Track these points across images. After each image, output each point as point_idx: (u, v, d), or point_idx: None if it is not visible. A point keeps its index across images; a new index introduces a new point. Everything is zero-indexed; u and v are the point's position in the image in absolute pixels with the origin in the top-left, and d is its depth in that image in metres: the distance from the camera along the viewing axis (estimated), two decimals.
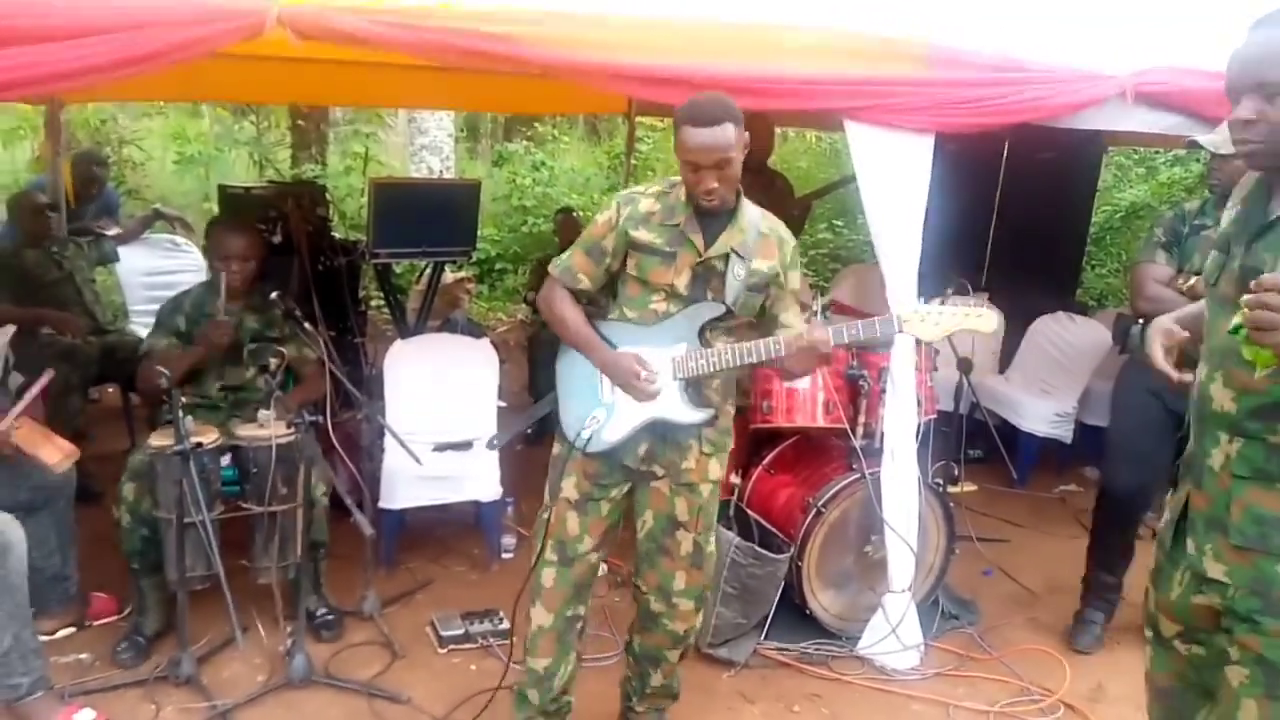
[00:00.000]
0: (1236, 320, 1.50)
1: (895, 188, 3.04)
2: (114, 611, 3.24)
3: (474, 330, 5.55)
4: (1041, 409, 4.95)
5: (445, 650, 3.15)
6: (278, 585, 3.01)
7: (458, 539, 3.97)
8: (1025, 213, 5.98)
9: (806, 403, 3.33)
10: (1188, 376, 1.83)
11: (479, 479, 3.74)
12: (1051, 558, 4.11)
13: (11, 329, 3.87)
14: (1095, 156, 6.28)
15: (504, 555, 3.84)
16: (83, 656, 3.02)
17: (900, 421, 3.17)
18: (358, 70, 4.40)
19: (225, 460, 3.04)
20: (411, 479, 3.58)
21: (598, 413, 2.38)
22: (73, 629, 3.15)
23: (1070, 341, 5.20)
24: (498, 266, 8.80)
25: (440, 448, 3.77)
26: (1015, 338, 5.40)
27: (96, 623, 3.20)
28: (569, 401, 2.44)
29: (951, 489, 3.83)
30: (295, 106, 9.37)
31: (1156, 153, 9.60)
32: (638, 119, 6.77)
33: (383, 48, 2.51)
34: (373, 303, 6.25)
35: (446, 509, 3.88)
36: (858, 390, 3.34)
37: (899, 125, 2.98)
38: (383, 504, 3.61)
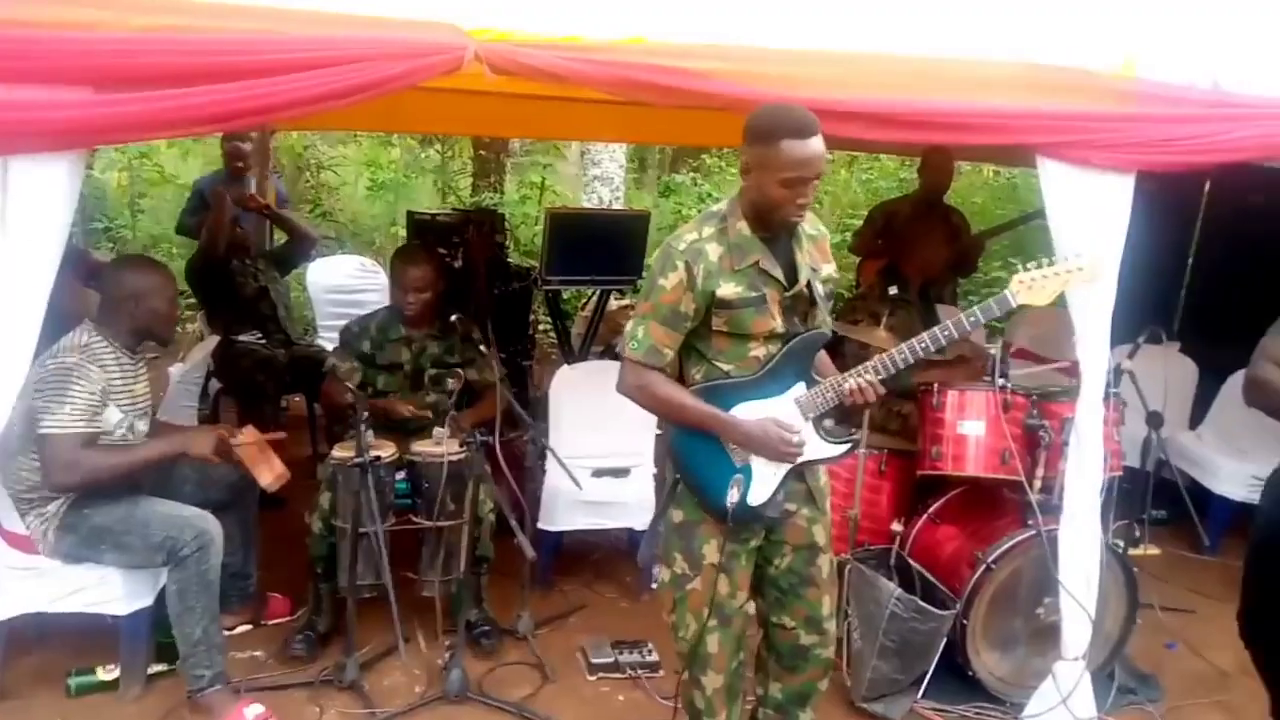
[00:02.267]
0: None
1: (1091, 228, 2.86)
2: (287, 613, 3.43)
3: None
4: (1237, 471, 4.55)
5: (594, 677, 3.17)
6: (440, 599, 3.12)
7: (610, 565, 4.00)
8: (1226, 258, 5.56)
9: (980, 451, 3.18)
10: None
11: (635, 506, 3.76)
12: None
13: (215, 340, 4.21)
14: None
15: (654, 585, 3.83)
16: (257, 653, 3.20)
17: (1083, 476, 2.96)
18: (535, 103, 4.55)
19: (400, 474, 3.18)
20: (571, 502, 3.64)
21: (736, 478, 2.25)
22: (249, 626, 3.35)
23: None
24: None
25: (599, 473, 3.82)
26: (1209, 392, 5.01)
27: (270, 622, 3.39)
28: (701, 472, 2.30)
29: (1133, 551, 3.57)
30: (477, 137, 9.83)
31: None
32: None
33: (573, 82, 2.57)
34: (540, 327, 6.44)
35: (601, 534, 3.92)
36: (1036, 441, 3.15)
37: (1097, 163, 2.83)
38: (542, 525, 3.68)
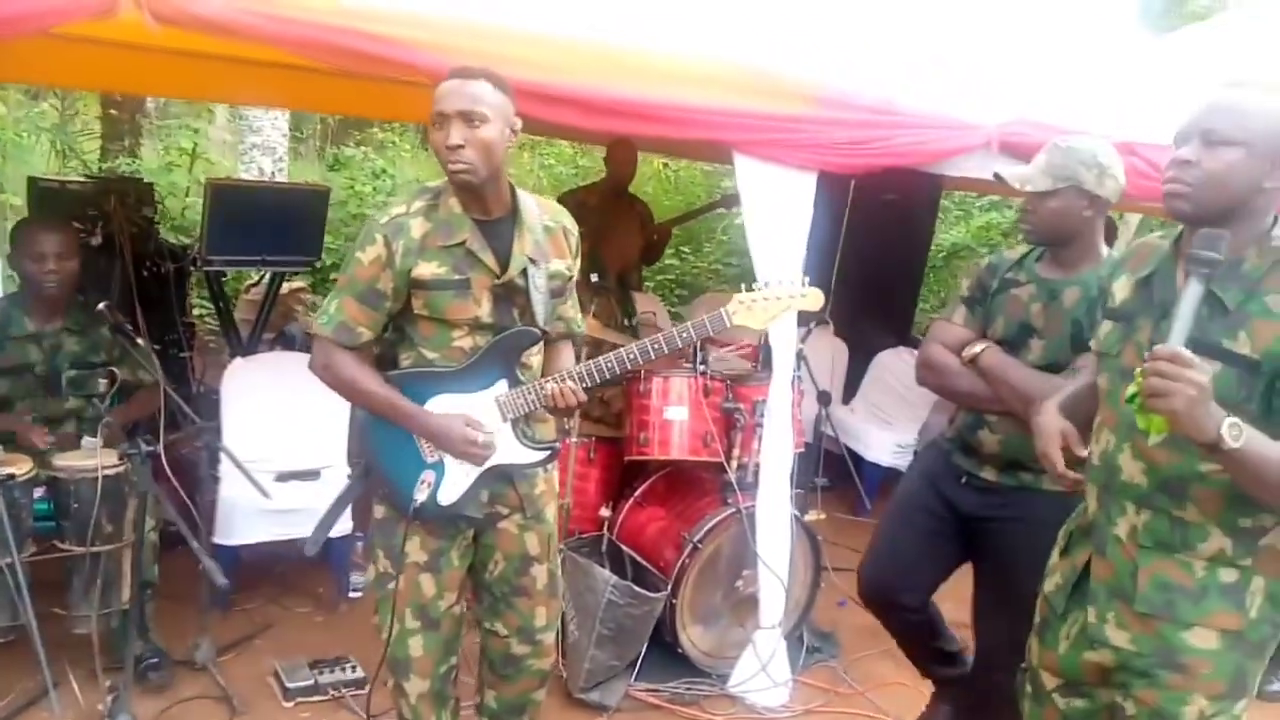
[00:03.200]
0: (1131, 389, 1.53)
1: (779, 221, 3.04)
2: None
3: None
4: (885, 439, 5.12)
5: (291, 704, 2.88)
6: (97, 635, 2.66)
7: (299, 576, 3.66)
8: (868, 250, 6.22)
9: (685, 435, 3.27)
10: (1081, 478, 1.83)
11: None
12: None
13: None
14: (934, 199, 6.61)
15: (352, 594, 3.57)
16: None
17: (776, 454, 3.16)
18: (181, 59, 4.01)
19: (38, 493, 2.67)
20: (252, 512, 3.27)
21: (426, 475, 2.12)
22: None
23: (910, 375, 5.38)
24: (333, 277, 8.34)
25: (283, 477, 3.47)
26: (856, 370, 5.60)
27: None
28: (390, 464, 2.15)
29: (805, 517, 3.88)
30: (107, 93, 8.60)
31: (973, 197, 10.27)
32: None
33: (253, 40, 2.27)
34: (195, 312, 5.76)
35: (285, 544, 3.56)
36: (733, 423, 3.31)
37: (786, 161, 3.00)
38: (218, 539, 3.28)
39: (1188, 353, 1.46)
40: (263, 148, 8.13)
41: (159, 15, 2.16)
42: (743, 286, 2.24)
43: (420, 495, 2.10)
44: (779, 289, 2.22)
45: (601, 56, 2.70)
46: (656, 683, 3.16)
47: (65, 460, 2.67)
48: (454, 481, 2.14)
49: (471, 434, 2.08)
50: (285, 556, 3.66)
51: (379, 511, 2.20)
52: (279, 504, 3.27)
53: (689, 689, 3.18)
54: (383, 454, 2.15)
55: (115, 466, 2.60)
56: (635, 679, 3.13)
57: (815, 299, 2.25)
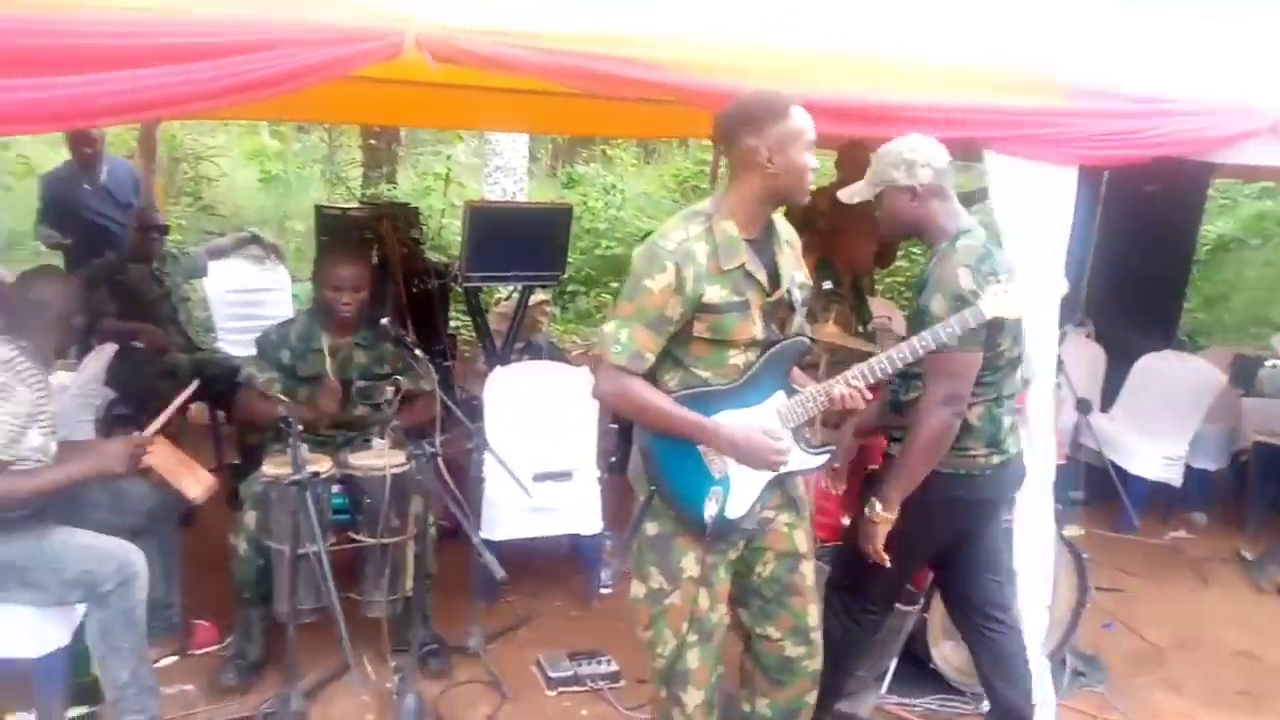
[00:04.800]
0: None
1: (1037, 218, 2.90)
2: (215, 640, 3.18)
3: (556, 354, 5.48)
4: (1152, 451, 4.74)
5: (554, 692, 3.05)
6: (386, 619, 2.93)
7: (554, 572, 3.87)
8: (1125, 247, 5.78)
9: None
10: None
11: (579, 511, 3.65)
12: (1173, 611, 3.92)
13: (113, 348, 3.88)
14: (1201, 190, 6.06)
15: (603, 589, 3.73)
16: (187, 688, 2.95)
17: (1037, 466, 2.99)
18: (432, 91, 4.36)
19: (336, 489, 2.97)
20: (515, 510, 3.49)
21: (714, 492, 2.16)
22: (175, 658, 3.09)
23: (1179, 381, 4.98)
24: (569, 289, 8.75)
25: (540, 477, 3.67)
26: (1115, 376, 5.21)
27: (198, 651, 3.14)
28: (674, 481, 2.19)
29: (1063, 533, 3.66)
30: (366, 125, 9.44)
31: (1239, 184, 9.29)
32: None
33: (519, 72, 2.44)
34: (452, 324, 6.21)
35: (541, 540, 3.77)
36: None
37: (1042, 156, 2.86)
38: (484, 535, 3.50)
39: None
40: (505, 169, 8.64)
41: (437, 55, 2.36)
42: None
43: (710, 511, 2.14)
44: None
45: (847, 63, 2.70)
46: (908, 697, 3.09)
47: (359, 460, 2.96)
48: (741, 495, 2.18)
49: (772, 442, 2.12)
50: (541, 552, 3.88)
51: (650, 529, 2.25)
52: (537, 502, 3.48)
53: (942, 705, 3.08)
54: (669, 475, 2.19)
55: (402, 466, 2.86)
56: (885, 691, 3.08)
57: (1062, 284, 2.27)
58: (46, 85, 2.09)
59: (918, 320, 2.42)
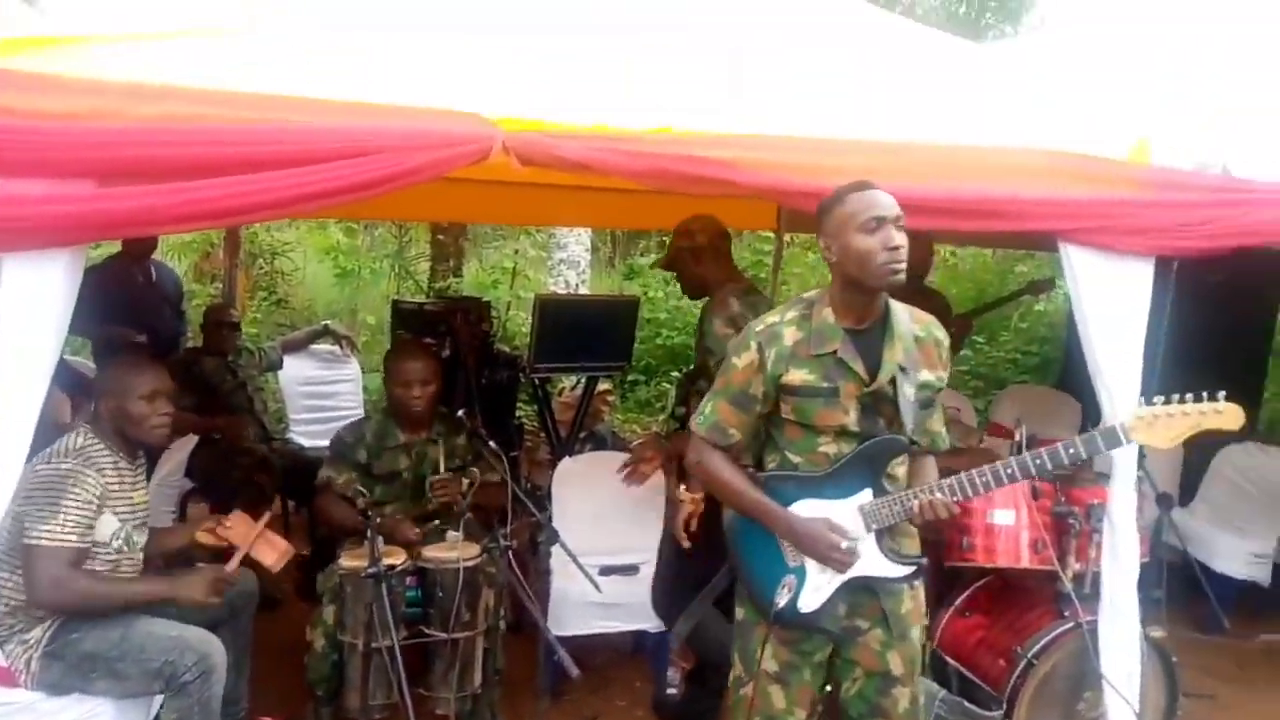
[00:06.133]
0: None
1: (1113, 311, 2.88)
2: None
3: (619, 443, 5.48)
4: (1238, 547, 4.58)
5: None
6: (454, 715, 2.90)
7: (617, 670, 3.81)
8: (1199, 336, 5.64)
9: (1012, 541, 3.10)
10: None
11: (645, 606, 3.60)
12: (1268, 717, 3.69)
13: (193, 440, 3.98)
14: (1275, 277, 5.94)
15: (670, 691, 3.64)
16: None
17: (1120, 565, 2.91)
18: (502, 189, 4.51)
19: (409, 580, 2.98)
20: (582, 604, 3.45)
21: (788, 579, 2.14)
22: None
23: (1263, 474, 4.83)
24: (630, 378, 8.80)
25: (607, 571, 3.63)
26: (1193, 469, 5.05)
27: None
28: (752, 564, 2.20)
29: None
30: (436, 222, 9.72)
31: None
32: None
33: (604, 173, 2.51)
34: (517, 415, 6.27)
35: (604, 637, 3.72)
36: (1065, 529, 3.09)
37: (1118, 248, 2.85)
38: (553, 630, 3.47)
39: None
40: (569, 262, 8.81)
41: (524, 158, 2.45)
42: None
43: (781, 600, 2.11)
44: (1190, 405, 2.14)
45: (909, 155, 2.71)
46: None
47: (432, 552, 2.97)
48: (815, 588, 2.15)
49: (834, 539, 2.09)
50: (603, 649, 3.82)
51: (740, 613, 2.25)
52: (605, 597, 3.44)
53: None
54: (747, 554, 2.20)
55: (475, 558, 2.86)
56: None
57: (1234, 416, 2.11)
58: (182, 189, 2.20)
59: None
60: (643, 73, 2.72)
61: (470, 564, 2.84)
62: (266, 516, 2.84)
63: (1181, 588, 4.38)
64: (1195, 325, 5.65)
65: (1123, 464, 2.90)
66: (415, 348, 3.56)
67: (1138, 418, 2.14)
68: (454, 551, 2.89)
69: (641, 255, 11.84)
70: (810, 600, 2.16)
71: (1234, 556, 4.55)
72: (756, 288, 3.54)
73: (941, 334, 2.27)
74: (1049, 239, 2.89)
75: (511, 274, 9.32)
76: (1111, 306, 2.87)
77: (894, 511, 2.13)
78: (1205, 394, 2.18)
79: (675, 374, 8.01)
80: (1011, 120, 2.96)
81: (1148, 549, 3.24)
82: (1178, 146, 2.90)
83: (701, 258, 3.28)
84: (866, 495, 2.15)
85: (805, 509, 2.15)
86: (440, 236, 10.49)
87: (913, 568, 2.20)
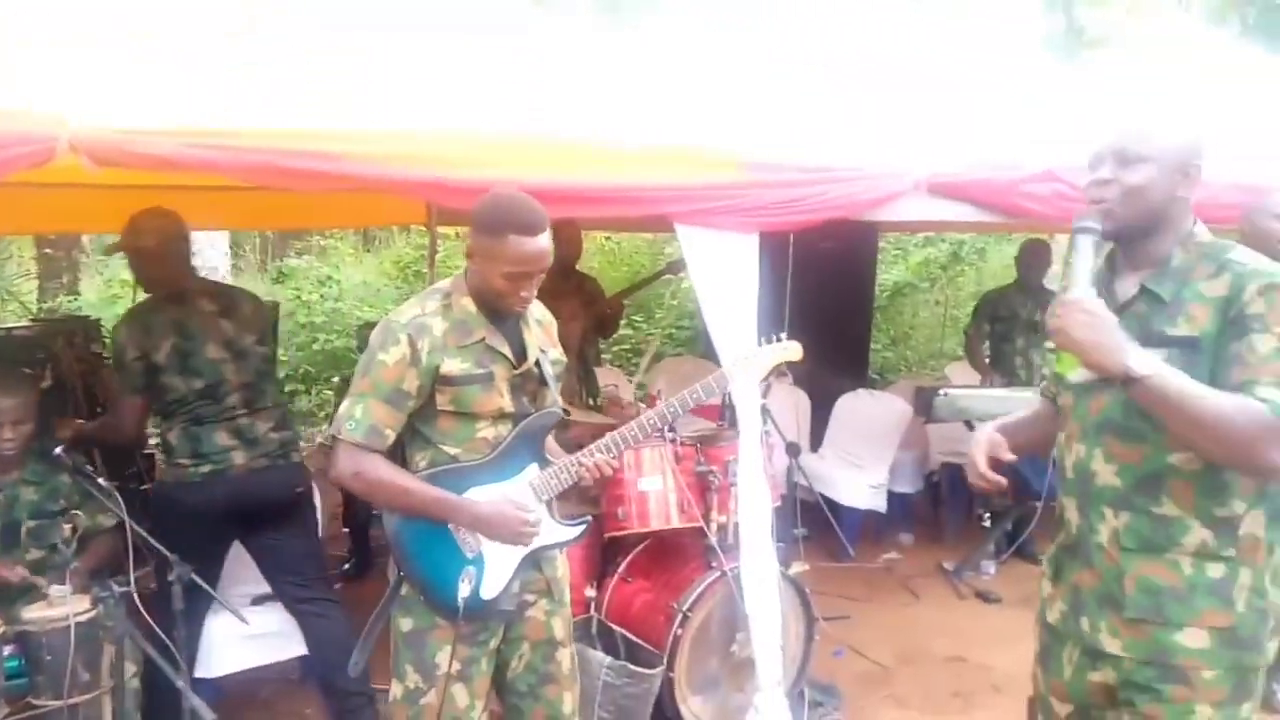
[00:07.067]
0: (1048, 344, 1.73)
1: (727, 283, 3.10)
2: None
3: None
4: (858, 481, 5.17)
5: None
6: None
7: (285, 700, 3.57)
8: (815, 299, 6.33)
9: (660, 505, 3.28)
10: (1003, 480, 1.90)
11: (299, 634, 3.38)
12: (893, 628, 4.23)
13: None
14: (871, 243, 6.78)
15: None
16: None
17: (755, 512, 3.16)
18: (116, 193, 4.03)
19: (7, 651, 2.58)
20: (232, 640, 3.20)
21: (467, 572, 2.12)
22: None
23: (873, 416, 5.50)
24: (288, 388, 8.28)
25: (259, 600, 3.40)
26: (819, 418, 5.67)
27: None
28: (425, 566, 2.15)
29: (790, 571, 3.88)
30: (41, 234, 8.55)
31: (907, 236, 10.54)
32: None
33: (197, 171, 2.30)
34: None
35: (265, 668, 3.47)
36: (707, 486, 3.32)
37: (724, 226, 3.07)
38: (199, 674, 3.17)
39: (1079, 294, 1.64)
40: (204, 269, 8.08)
41: (98, 158, 2.18)
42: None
43: (463, 592, 2.09)
44: (767, 347, 2.58)
45: (540, 149, 2.77)
46: None
47: (33, 613, 2.58)
48: (495, 574, 2.15)
49: (522, 515, 2.11)
50: (266, 680, 3.57)
51: (405, 624, 2.17)
52: (257, 629, 3.20)
53: None
54: (419, 557, 2.14)
55: (87, 612, 2.53)
56: None
57: (796, 349, 2.60)
58: None
59: None
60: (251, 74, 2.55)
61: (83, 619, 2.51)
62: None
63: (816, 524, 4.91)
64: (813, 285, 6.36)
65: (747, 421, 3.15)
66: (8, 379, 3.07)
67: (734, 362, 2.51)
68: (60, 608, 2.53)
69: (299, 255, 11.18)
70: (493, 586, 2.16)
71: (856, 490, 5.15)
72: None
73: (550, 318, 2.40)
74: (663, 221, 3.08)
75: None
76: (723, 276, 3.10)
77: (563, 479, 2.20)
78: (775, 336, 2.72)
79: (337, 380, 7.63)
80: (623, 121, 3.10)
81: (778, 495, 3.56)
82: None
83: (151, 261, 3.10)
84: (534, 470, 2.20)
85: (478, 495, 2.14)
86: (48, 251, 9.27)
87: (583, 525, 2.28)
